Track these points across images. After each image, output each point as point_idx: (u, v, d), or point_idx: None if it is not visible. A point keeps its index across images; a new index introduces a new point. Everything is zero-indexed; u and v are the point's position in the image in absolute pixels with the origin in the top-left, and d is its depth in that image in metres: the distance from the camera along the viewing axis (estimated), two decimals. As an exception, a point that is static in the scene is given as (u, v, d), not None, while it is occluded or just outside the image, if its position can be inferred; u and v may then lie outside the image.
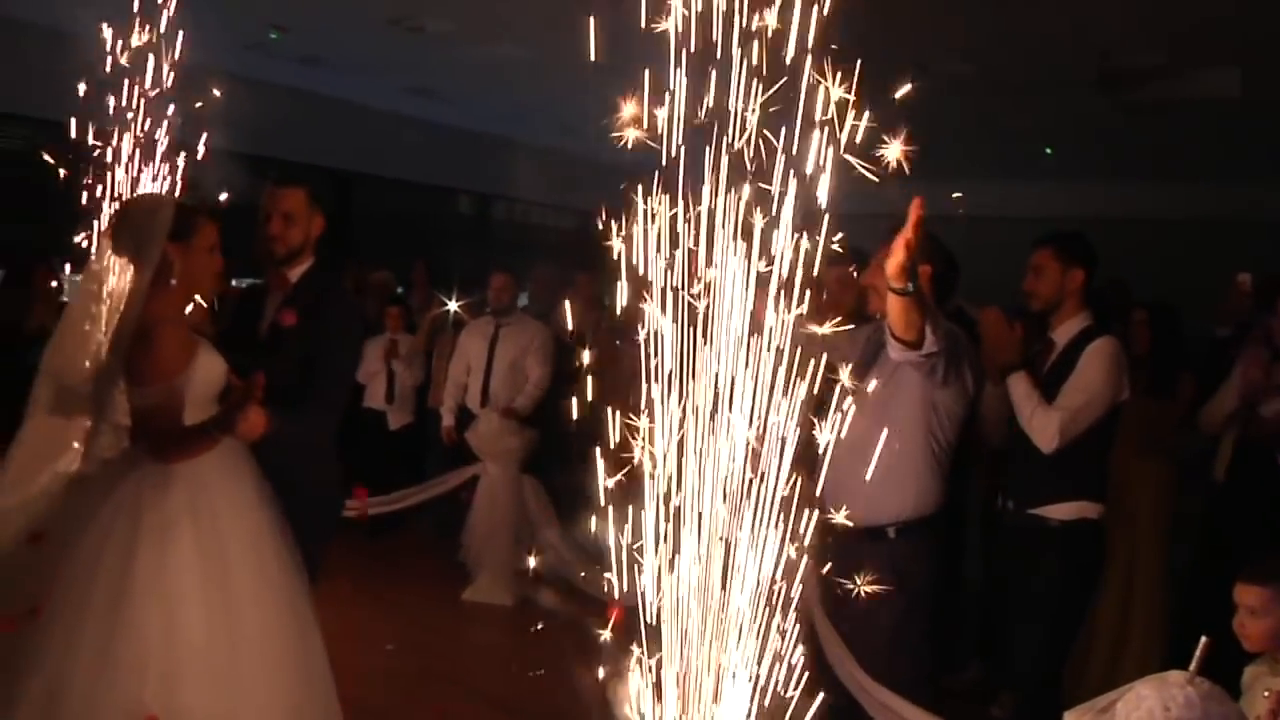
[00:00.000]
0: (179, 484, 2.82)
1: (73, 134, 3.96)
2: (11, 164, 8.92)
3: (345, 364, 3.53)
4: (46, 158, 3.91)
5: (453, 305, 6.99)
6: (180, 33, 4.00)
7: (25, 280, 6.86)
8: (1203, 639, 1.86)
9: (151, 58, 4.00)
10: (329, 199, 12.13)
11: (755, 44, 1.85)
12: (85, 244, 3.99)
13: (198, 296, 3.17)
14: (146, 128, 4.03)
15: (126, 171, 4.04)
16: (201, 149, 4.09)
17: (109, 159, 4.01)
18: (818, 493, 2.66)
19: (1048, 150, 10.81)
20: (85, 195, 4.00)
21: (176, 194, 4.03)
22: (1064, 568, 3.56)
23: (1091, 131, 9.92)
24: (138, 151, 4.03)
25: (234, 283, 4.34)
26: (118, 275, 2.96)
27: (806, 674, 2.08)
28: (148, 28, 3.98)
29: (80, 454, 3.01)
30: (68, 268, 4.41)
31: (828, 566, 2.52)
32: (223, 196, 4.02)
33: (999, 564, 4.76)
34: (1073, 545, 3.57)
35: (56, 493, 2.96)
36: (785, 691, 2.04)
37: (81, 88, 4.01)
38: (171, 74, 4.02)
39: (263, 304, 3.48)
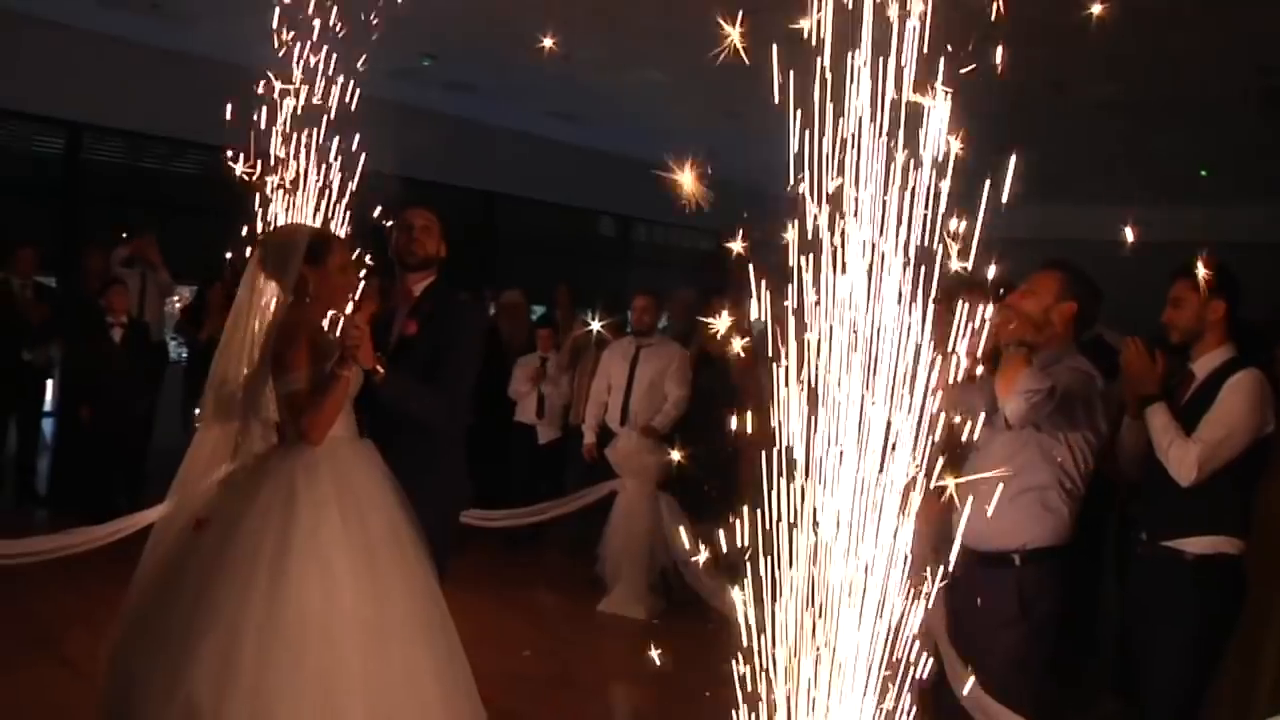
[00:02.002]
0: (326, 472, 3.13)
1: (247, 158, 4.27)
2: (190, 187, 9.59)
3: (464, 362, 3.75)
4: (240, 173, 4.20)
5: (595, 325, 7.16)
6: (332, 61, 4.30)
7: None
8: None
9: (311, 86, 4.30)
10: (474, 219, 12.63)
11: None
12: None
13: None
14: (309, 152, 4.33)
15: (290, 193, 4.35)
16: (354, 172, 4.37)
17: (276, 182, 4.33)
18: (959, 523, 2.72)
19: (1203, 172, 10.46)
20: (256, 215, 4.31)
21: (339, 212, 4.35)
22: (1199, 604, 3.44)
23: (1247, 151, 9.55)
24: (299, 175, 4.34)
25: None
26: (266, 293, 3.37)
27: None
28: (309, 58, 4.29)
29: (233, 453, 3.37)
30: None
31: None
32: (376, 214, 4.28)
33: (1132, 597, 4.66)
34: (1209, 581, 3.44)
35: (214, 486, 3.33)
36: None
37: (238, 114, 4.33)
38: (331, 100, 4.32)
39: (392, 318, 3.78)
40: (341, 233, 4.11)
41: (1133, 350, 3.61)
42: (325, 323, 3.26)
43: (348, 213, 4.33)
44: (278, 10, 4.12)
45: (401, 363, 3.52)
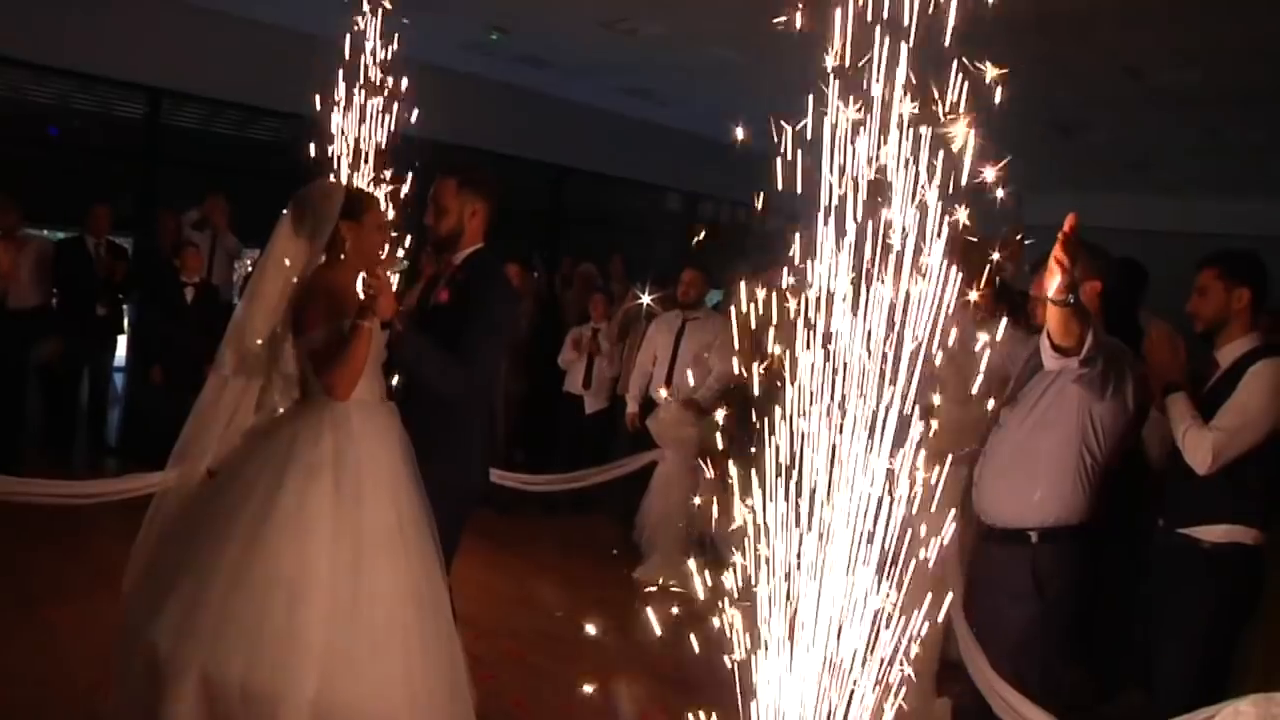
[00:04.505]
0: (329, 439, 3.12)
1: (317, 125, 4.42)
2: (263, 153, 9.87)
3: (486, 333, 3.64)
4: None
5: (646, 299, 7.24)
6: (404, 33, 4.42)
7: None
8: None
9: (383, 56, 4.44)
10: (542, 192, 12.74)
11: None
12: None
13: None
14: (378, 122, 4.47)
15: (360, 162, 4.50)
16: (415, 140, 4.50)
17: (346, 150, 4.48)
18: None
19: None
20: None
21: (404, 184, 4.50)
22: (1213, 593, 3.43)
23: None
24: (370, 142, 4.49)
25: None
26: (295, 251, 3.35)
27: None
28: (380, 29, 4.42)
29: (252, 410, 3.44)
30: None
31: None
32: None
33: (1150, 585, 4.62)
34: (1223, 570, 3.43)
35: (236, 438, 3.38)
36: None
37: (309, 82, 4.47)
38: (400, 71, 4.45)
39: (435, 284, 3.80)
40: (381, 195, 4.26)
41: (1156, 335, 3.61)
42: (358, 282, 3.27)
43: (389, 179, 4.48)
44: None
45: (429, 330, 3.51)
